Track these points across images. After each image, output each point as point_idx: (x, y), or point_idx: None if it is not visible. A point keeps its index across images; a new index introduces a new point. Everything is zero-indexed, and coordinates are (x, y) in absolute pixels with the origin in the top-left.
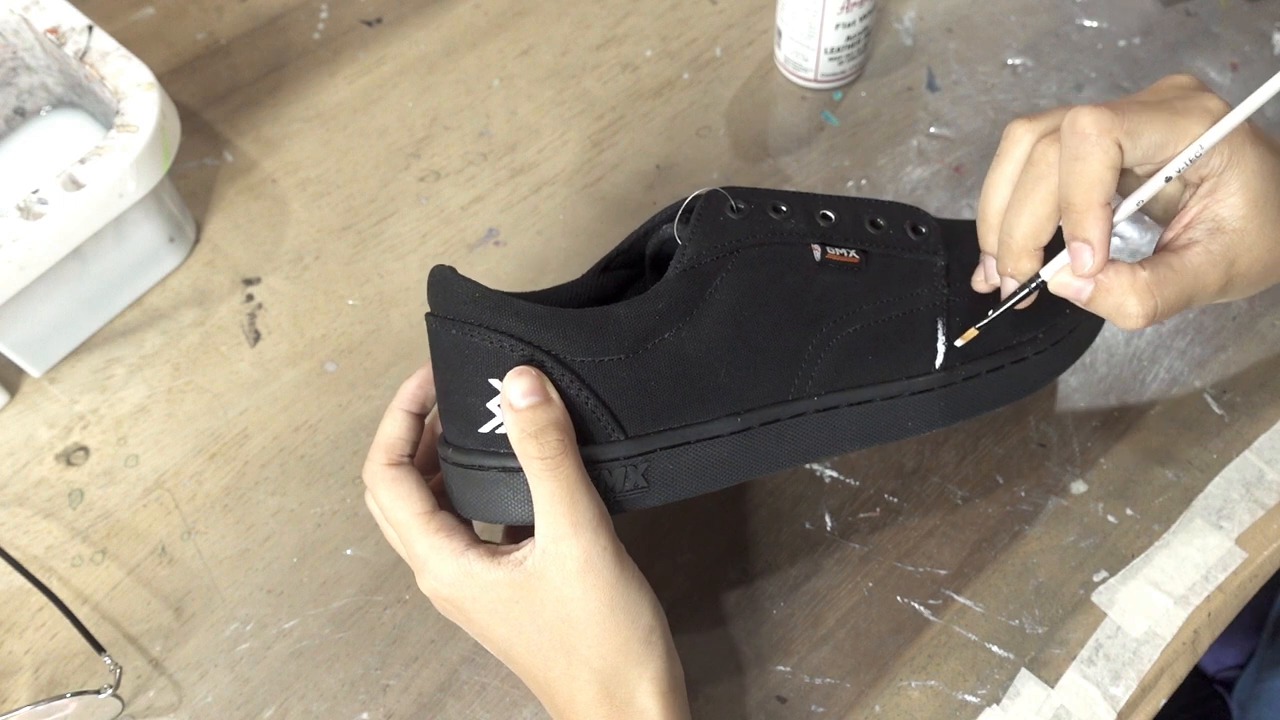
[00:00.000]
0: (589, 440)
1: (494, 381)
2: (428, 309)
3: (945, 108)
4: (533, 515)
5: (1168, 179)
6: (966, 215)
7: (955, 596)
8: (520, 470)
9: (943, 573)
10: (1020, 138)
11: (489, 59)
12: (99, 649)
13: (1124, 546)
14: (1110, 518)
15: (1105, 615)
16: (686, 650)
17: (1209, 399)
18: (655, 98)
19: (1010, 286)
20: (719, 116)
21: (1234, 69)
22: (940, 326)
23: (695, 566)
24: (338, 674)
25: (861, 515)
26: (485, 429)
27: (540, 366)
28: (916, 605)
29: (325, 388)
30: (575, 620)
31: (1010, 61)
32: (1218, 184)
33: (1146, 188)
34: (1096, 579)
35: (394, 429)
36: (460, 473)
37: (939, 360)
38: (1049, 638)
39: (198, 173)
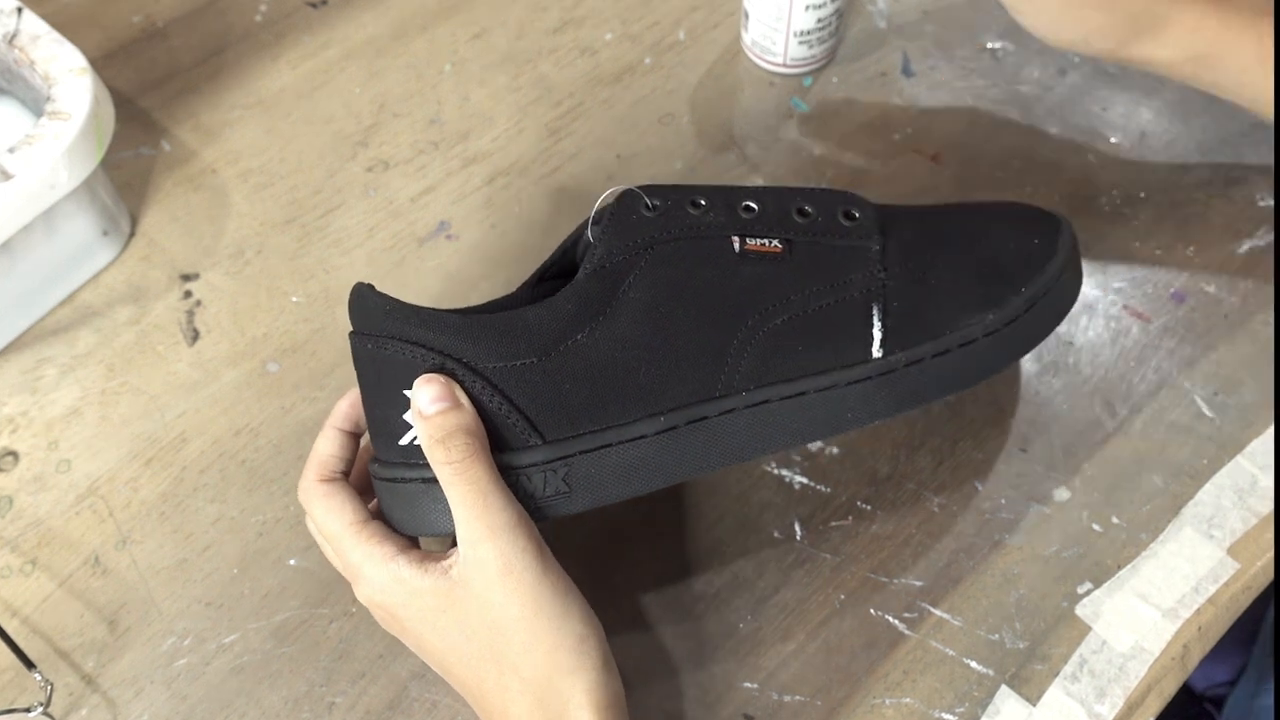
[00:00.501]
0: (505, 446)
1: (408, 393)
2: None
3: (921, 94)
4: (443, 528)
5: None
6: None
7: (931, 609)
8: (435, 480)
9: (918, 584)
10: None
11: (440, 42)
12: (29, 665)
13: (1110, 557)
14: (1095, 526)
15: (1090, 629)
16: (648, 666)
17: (1199, 401)
18: (615, 83)
19: None
20: (683, 103)
21: None
22: (876, 312)
23: (657, 578)
24: (281, 691)
25: (833, 524)
26: (404, 441)
27: (451, 374)
28: (891, 618)
29: (267, 389)
30: (500, 625)
31: (990, 45)
32: None
33: None
34: (1081, 591)
35: (327, 447)
36: (386, 487)
37: (875, 348)
38: (1030, 653)
39: (133, 163)
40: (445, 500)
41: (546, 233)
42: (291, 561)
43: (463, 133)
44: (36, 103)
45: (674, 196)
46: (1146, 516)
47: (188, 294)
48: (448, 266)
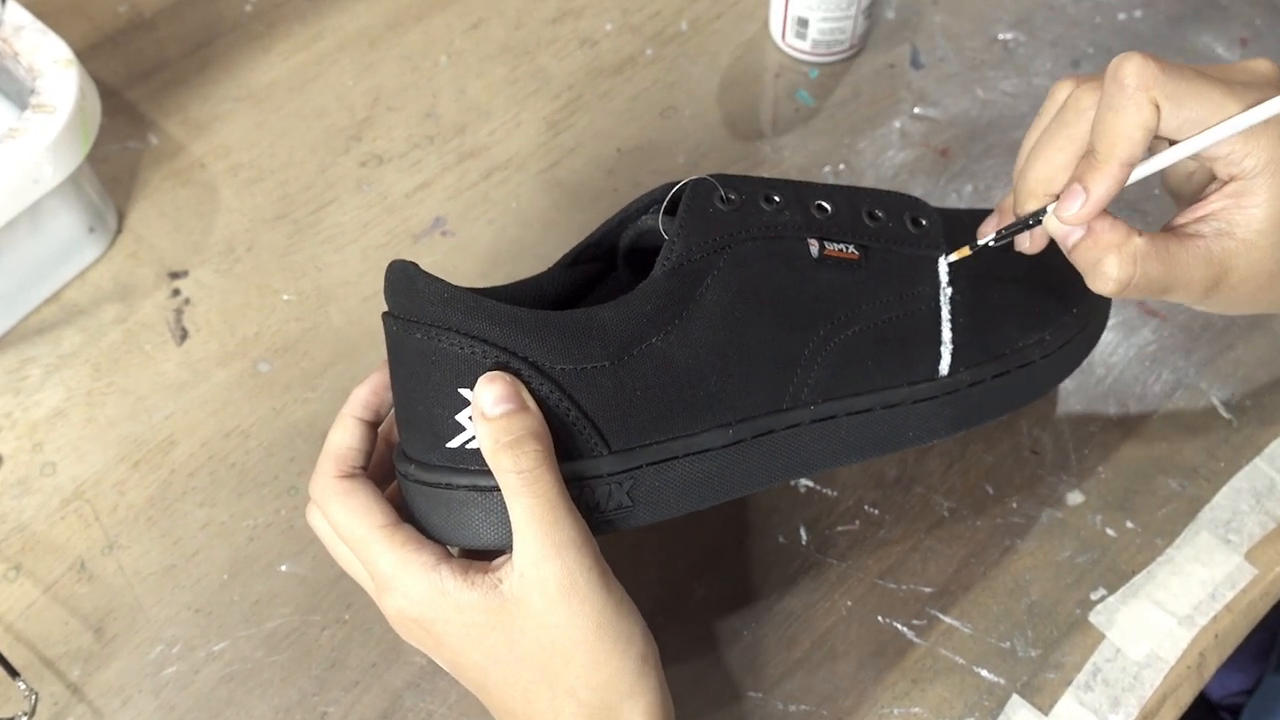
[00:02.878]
0: (570, 456)
1: (464, 391)
2: (384, 309)
3: (930, 86)
4: (507, 539)
5: (1189, 155)
6: (953, 202)
7: (941, 616)
8: (495, 489)
9: (927, 590)
10: (1063, 87)
11: (436, 34)
12: (13, 673)
13: (1124, 562)
14: (1109, 531)
15: (1104, 637)
16: None
17: (1216, 402)
18: (616, 75)
19: (990, 239)
20: (685, 96)
21: (1243, 44)
22: (944, 328)
23: (660, 584)
24: (271, 700)
25: (839, 528)
26: (454, 443)
27: (517, 374)
28: (899, 626)
29: (258, 390)
30: (560, 649)
31: (1001, 36)
32: (1245, 188)
33: (1163, 156)
34: (1094, 597)
35: (345, 438)
36: (424, 491)
37: (944, 365)
38: (1043, 661)
39: (120, 157)
40: (499, 512)
41: (545, 229)
42: (283, 567)
43: (459, 126)
44: (20, 95)
45: (747, 190)
46: (1162, 521)
47: (176, 292)
48: (444, 264)
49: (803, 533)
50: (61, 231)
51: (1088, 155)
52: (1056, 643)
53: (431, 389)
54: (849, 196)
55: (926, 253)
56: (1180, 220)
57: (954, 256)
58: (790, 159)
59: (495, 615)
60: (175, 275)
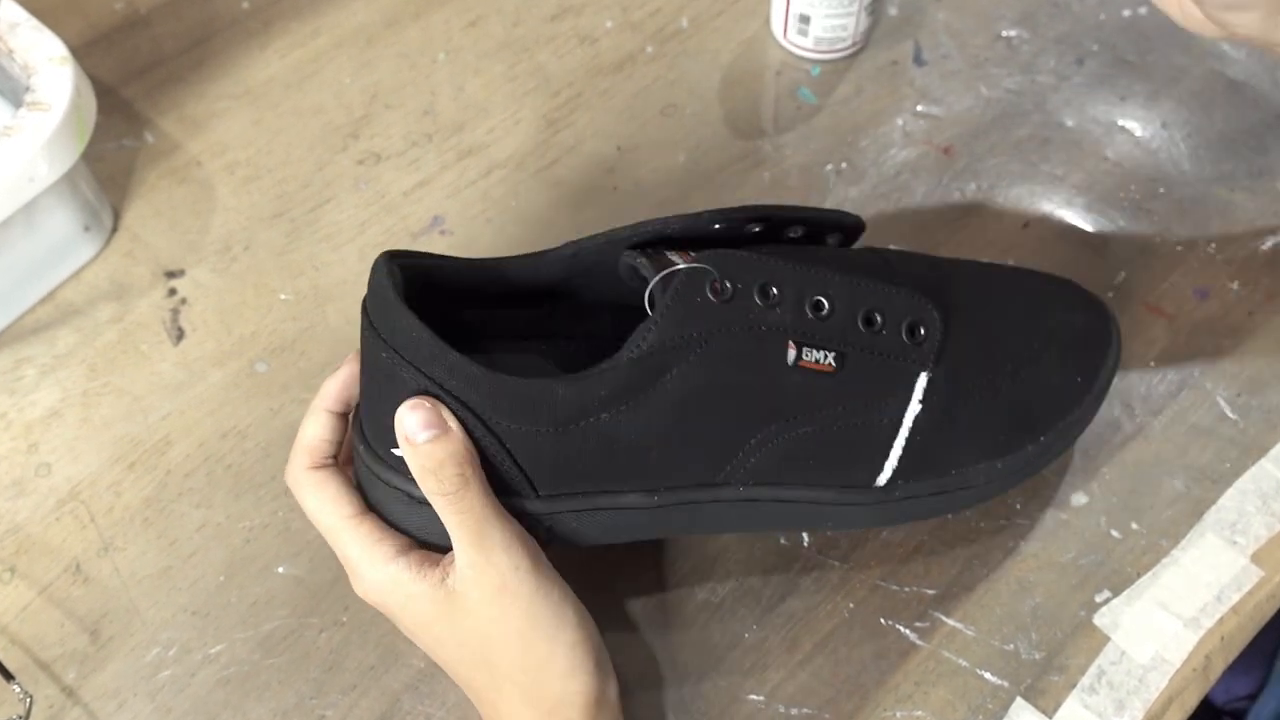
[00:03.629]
0: (499, 491)
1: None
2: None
3: (933, 84)
4: (435, 537)
5: None
6: (956, 199)
7: (944, 618)
8: (426, 503)
9: (930, 592)
10: None
11: (434, 31)
12: (8, 676)
13: (1129, 564)
14: (1114, 532)
15: (1108, 639)
16: (650, 677)
17: (1222, 402)
18: (616, 73)
19: None
20: (685, 94)
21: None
22: (897, 444)
23: (660, 586)
24: (268, 703)
25: (842, 530)
26: (399, 451)
27: (464, 423)
28: (901, 628)
29: (255, 390)
30: (494, 638)
31: (1004, 33)
32: None
33: None
34: (1099, 599)
35: (316, 430)
36: (370, 477)
37: (882, 479)
38: (1047, 663)
39: (116, 155)
40: (430, 518)
41: (545, 228)
42: (280, 569)
43: (457, 124)
44: (15, 93)
45: (747, 279)
46: (1167, 522)
47: (172, 291)
48: None
49: (804, 534)
50: (57, 230)
51: None
52: (1060, 645)
53: (388, 401)
54: (853, 294)
55: (910, 367)
56: None
57: None
58: (792, 157)
59: (440, 606)
60: (171, 274)
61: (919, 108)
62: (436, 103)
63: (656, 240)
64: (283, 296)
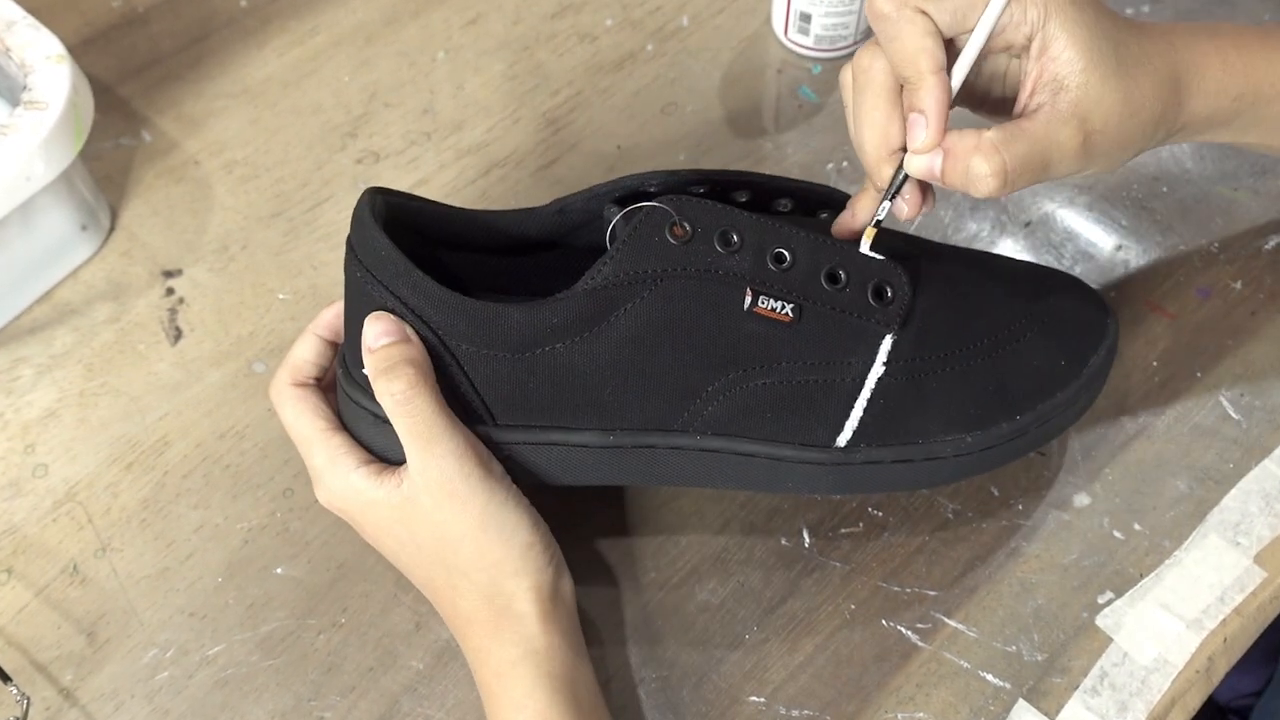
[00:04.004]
0: (461, 418)
1: None
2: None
3: None
4: (397, 456)
5: (987, 37)
6: (958, 197)
7: (946, 620)
8: (388, 421)
9: (932, 594)
10: (844, 70)
11: (433, 29)
12: (4, 678)
13: (1131, 565)
14: (1116, 533)
15: (1111, 640)
16: (650, 680)
17: (1225, 402)
18: (616, 71)
19: (886, 207)
20: (686, 92)
21: None
22: (859, 404)
23: (660, 587)
24: (266, 705)
25: (843, 530)
26: (366, 370)
27: (425, 342)
28: (903, 629)
29: (253, 390)
30: (450, 539)
31: None
32: (1045, 40)
33: (968, 48)
34: (1101, 601)
35: (304, 352)
36: (344, 398)
37: (843, 439)
38: (1049, 665)
39: (113, 154)
40: (395, 437)
41: None
42: (278, 570)
43: (457, 123)
44: (12, 91)
45: (706, 223)
46: (1170, 523)
47: (170, 291)
48: None
49: (806, 535)
50: (53, 230)
51: (905, 90)
52: (1063, 647)
53: (358, 322)
54: (816, 250)
55: (874, 327)
56: (1017, 108)
57: (865, 244)
58: (793, 156)
59: (396, 511)
60: (169, 274)
61: None
62: (436, 101)
63: (637, 195)
64: (281, 296)
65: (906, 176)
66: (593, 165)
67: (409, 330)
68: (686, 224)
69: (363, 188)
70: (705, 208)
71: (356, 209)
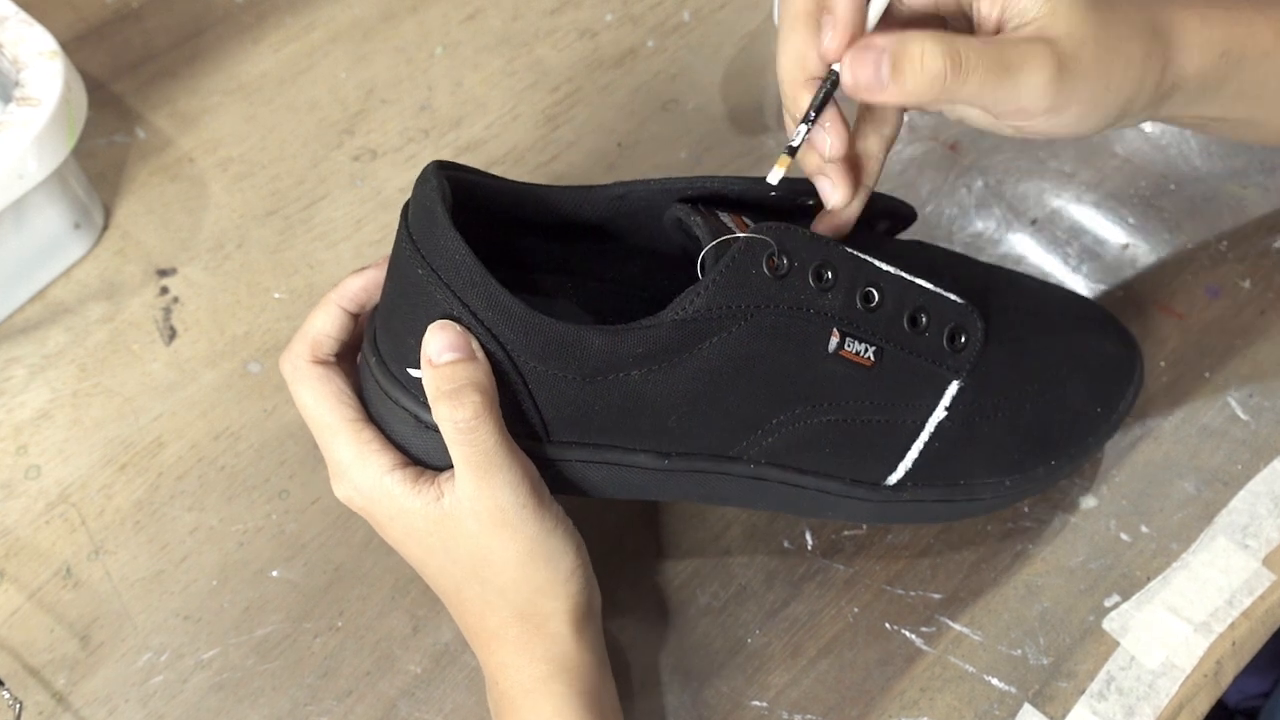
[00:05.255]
0: (512, 429)
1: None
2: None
3: None
4: (437, 464)
5: None
6: (962, 194)
7: (950, 623)
8: (436, 429)
9: (936, 597)
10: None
11: (431, 24)
12: None
13: (1139, 568)
14: (1123, 536)
15: (1118, 644)
16: (651, 683)
17: (1233, 403)
18: (617, 67)
19: (802, 131)
20: (687, 88)
21: None
22: (916, 449)
23: (661, 590)
24: (262, 710)
25: (846, 533)
26: (415, 373)
27: (491, 357)
28: (907, 633)
29: (248, 391)
30: (493, 563)
31: None
32: None
33: None
34: (1108, 604)
35: (325, 324)
36: (378, 393)
37: (894, 479)
38: (1055, 669)
39: (106, 151)
40: (440, 446)
41: None
42: (274, 573)
43: (455, 120)
44: (4, 88)
45: (804, 258)
46: (1177, 525)
47: (164, 290)
48: None
49: (808, 537)
50: (46, 228)
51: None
52: (1069, 650)
53: (414, 319)
54: (904, 290)
55: (944, 374)
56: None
57: (777, 169)
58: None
59: (434, 524)
60: (163, 273)
61: None
62: (433, 98)
63: (710, 198)
64: (276, 295)
65: (825, 98)
66: (593, 163)
67: (475, 346)
68: (785, 257)
69: (359, 185)
70: (804, 240)
71: (421, 195)
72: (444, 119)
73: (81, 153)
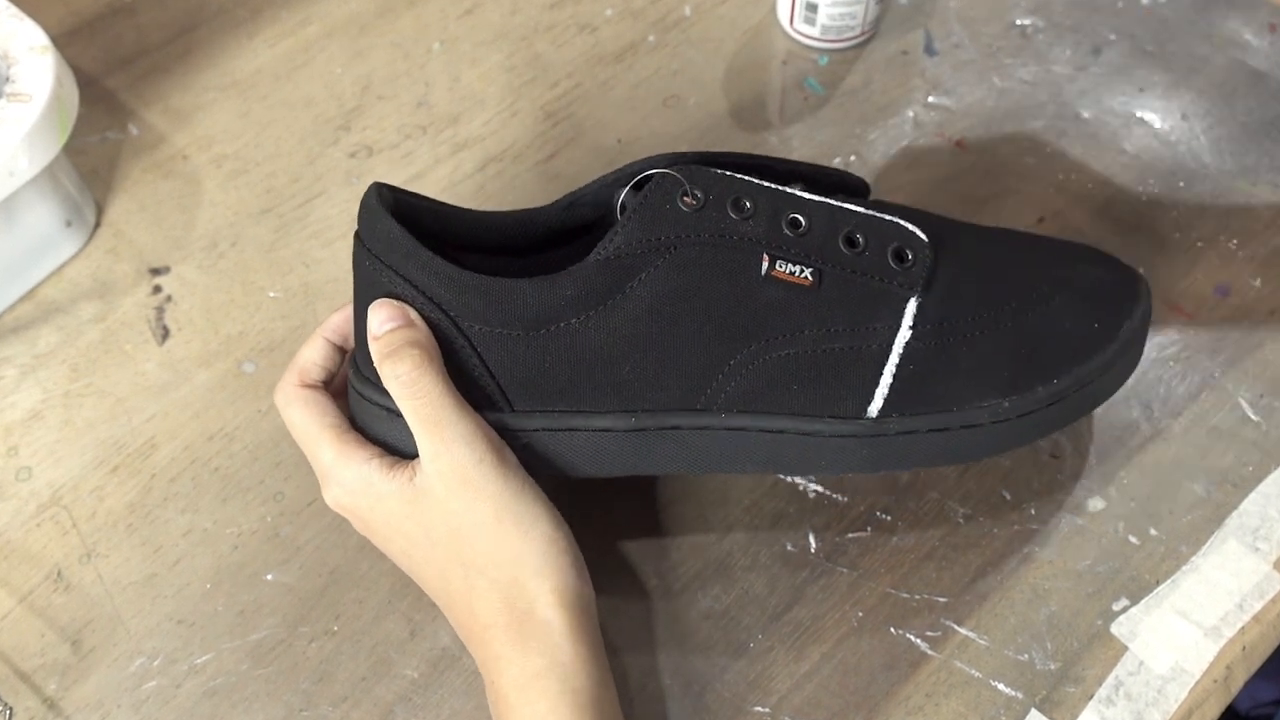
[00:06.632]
0: (476, 405)
1: None
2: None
3: (945, 74)
4: (408, 448)
5: None
6: (968, 193)
7: (956, 628)
8: (400, 415)
9: (942, 600)
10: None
11: (428, 19)
12: None
13: (1147, 571)
14: (1132, 538)
15: (1126, 649)
16: (652, 687)
17: (1244, 404)
18: (617, 63)
19: None
20: (689, 84)
21: (1272, 30)
22: (888, 371)
23: (661, 594)
24: (257, 715)
25: (850, 535)
26: (373, 357)
27: (436, 325)
28: (912, 637)
29: (242, 391)
30: (465, 533)
31: (1018, 22)
32: None
33: None
34: (1116, 608)
35: (312, 354)
36: (355, 397)
37: (874, 408)
38: (1062, 674)
39: (99, 148)
40: (405, 429)
41: None
42: (269, 576)
43: (453, 116)
44: None
45: (718, 189)
46: (1187, 528)
47: (157, 289)
48: None
49: (812, 540)
50: (38, 226)
51: None
52: (1077, 655)
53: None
54: (831, 216)
55: (897, 290)
56: None
57: None
58: (799, 149)
59: (409, 505)
60: (156, 271)
61: (930, 99)
62: (431, 94)
63: (647, 181)
64: (271, 294)
65: None
66: (592, 159)
67: (413, 314)
68: (698, 192)
69: (355, 183)
70: (716, 176)
71: (364, 199)
72: (441, 115)
73: (73, 149)
